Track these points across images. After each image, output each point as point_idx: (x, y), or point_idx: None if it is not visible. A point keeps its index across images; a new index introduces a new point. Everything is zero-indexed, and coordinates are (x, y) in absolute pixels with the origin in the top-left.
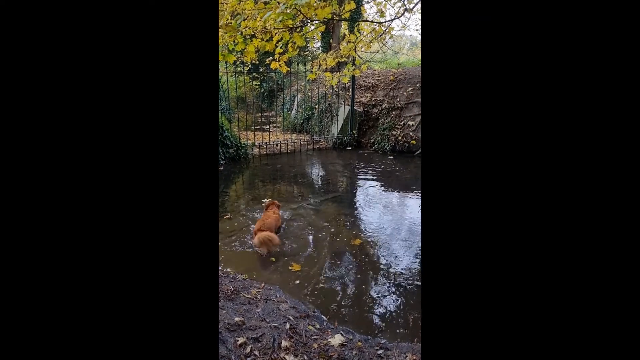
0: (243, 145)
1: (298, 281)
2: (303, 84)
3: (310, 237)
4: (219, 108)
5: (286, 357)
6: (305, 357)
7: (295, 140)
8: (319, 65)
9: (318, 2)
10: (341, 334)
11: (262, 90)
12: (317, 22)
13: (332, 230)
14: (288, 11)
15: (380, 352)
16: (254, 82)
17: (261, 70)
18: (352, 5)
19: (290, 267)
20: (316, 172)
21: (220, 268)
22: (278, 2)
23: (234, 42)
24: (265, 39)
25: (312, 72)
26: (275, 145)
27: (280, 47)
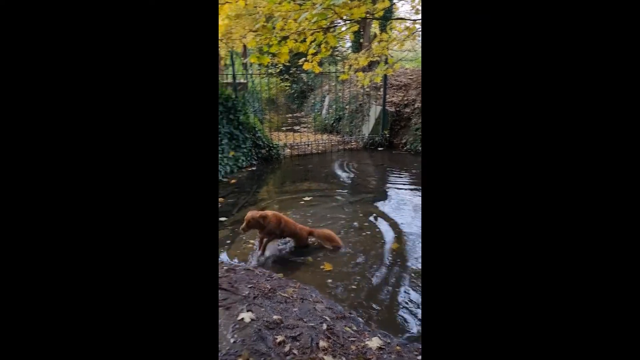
0: (275, 146)
1: (330, 280)
2: (333, 84)
3: (342, 238)
4: (252, 109)
5: (325, 357)
6: (344, 359)
7: (326, 141)
8: (350, 65)
9: (351, 1)
10: (379, 337)
11: (292, 91)
12: (350, 21)
13: (363, 231)
14: (324, 11)
15: (419, 357)
16: (284, 84)
17: (291, 71)
18: (387, 4)
19: (322, 267)
20: (347, 173)
21: (254, 265)
22: (314, 2)
23: (268, 44)
24: (299, 40)
25: (344, 72)
26: (306, 146)
27: (313, 48)
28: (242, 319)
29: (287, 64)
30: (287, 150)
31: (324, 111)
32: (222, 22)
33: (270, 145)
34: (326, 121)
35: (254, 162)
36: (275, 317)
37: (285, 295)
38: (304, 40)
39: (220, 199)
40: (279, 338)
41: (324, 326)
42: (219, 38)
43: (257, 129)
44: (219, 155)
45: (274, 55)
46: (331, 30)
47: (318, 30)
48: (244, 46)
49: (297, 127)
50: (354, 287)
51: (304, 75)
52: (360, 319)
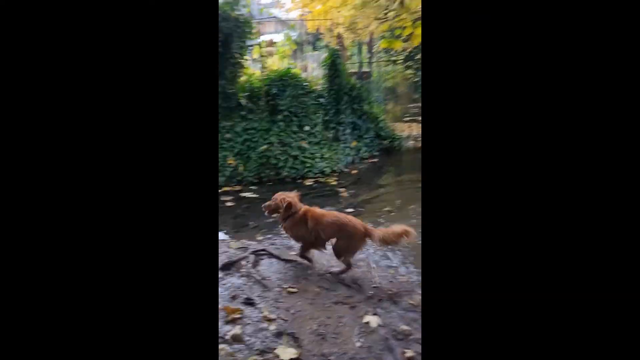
0: (397, 137)
1: None
2: None
3: None
4: (373, 98)
5: None
6: None
7: None
8: None
9: None
10: None
11: (417, 79)
12: None
13: None
14: None
15: None
16: (409, 72)
17: (417, 58)
18: None
19: None
20: None
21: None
22: None
23: (401, 26)
24: None
25: None
26: None
27: None
28: (368, 322)
29: (416, 49)
30: (411, 142)
31: None
32: (348, 12)
33: (393, 136)
34: None
35: (376, 154)
36: (403, 327)
37: (413, 302)
38: None
39: (342, 189)
40: (409, 353)
41: None
42: (345, 28)
43: (379, 119)
44: (342, 146)
45: (405, 40)
46: None
47: None
48: (370, 35)
49: (420, 118)
50: None
51: None
52: None
